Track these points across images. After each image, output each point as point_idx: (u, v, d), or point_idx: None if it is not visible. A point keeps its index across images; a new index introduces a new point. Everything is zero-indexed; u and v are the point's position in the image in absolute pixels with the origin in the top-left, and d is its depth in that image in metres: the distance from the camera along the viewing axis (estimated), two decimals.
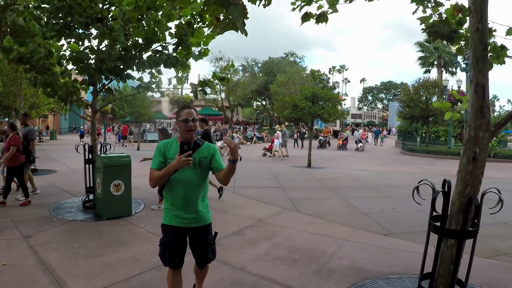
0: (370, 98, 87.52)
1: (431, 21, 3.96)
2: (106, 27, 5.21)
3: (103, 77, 5.94)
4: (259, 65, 50.03)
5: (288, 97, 15.02)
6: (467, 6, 2.99)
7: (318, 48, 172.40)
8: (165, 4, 5.26)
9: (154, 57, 5.82)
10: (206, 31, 5.76)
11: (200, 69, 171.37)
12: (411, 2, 3.99)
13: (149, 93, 6.62)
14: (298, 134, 27.15)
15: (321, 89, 15.48)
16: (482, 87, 2.84)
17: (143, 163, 6.99)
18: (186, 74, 6.30)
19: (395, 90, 78.41)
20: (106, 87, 6.31)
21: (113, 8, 5.47)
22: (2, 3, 5.13)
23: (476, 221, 2.90)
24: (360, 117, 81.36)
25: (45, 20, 5.40)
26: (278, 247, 4.66)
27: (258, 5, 2.56)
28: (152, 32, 5.42)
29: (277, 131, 18.63)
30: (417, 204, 4.00)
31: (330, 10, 3.96)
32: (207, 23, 5.57)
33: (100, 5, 5.35)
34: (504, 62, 3.78)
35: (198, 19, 5.68)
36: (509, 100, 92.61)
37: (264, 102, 52.79)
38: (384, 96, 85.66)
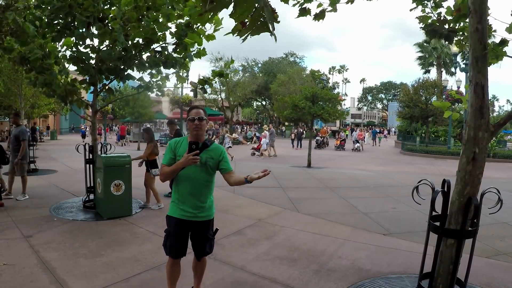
0: (369, 98, 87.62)
1: (429, 20, 3.97)
2: (107, 26, 5.22)
3: (103, 77, 5.95)
4: (259, 65, 50.01)
5: (288, 97, 15.03)
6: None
7: (318, 48, 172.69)
8: (165, 5, 5.27)
9: (153, 58, 5.83)
10: (207, 30, 5.76)
11: (200, 70, 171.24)
12: (413, 2, 4.00)
13: (150, 94, 6.62)
14: (296, 134, 26.45)
15: (321, 89, 15.49)
16: (482, 87, 2.85)
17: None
18: (185, 72, 6.31)
19: (394, 90, 78.52)
20: (107, 87, 6.32)
21: (113, 7, 5.48)
22: (3, 3, 5.13)
23: (475, 221, 2.91)
24: (360, 117, 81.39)
25: (46, 20, 5.40)
26: (278, 246, 4.67)
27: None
28: (152, 32, 5.42)
29: (265, 131, 19.00)
30: (417, 204, 4.01)
31: (330, 8, 3.96)
32: (213, 23, 5.55)
33: (101, 5, 5.36)
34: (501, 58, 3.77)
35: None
36: (508, 100, 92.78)
37: (264, 102, 52.77)
38: (383, 96, 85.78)
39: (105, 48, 5.66)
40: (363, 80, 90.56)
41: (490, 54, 3.59)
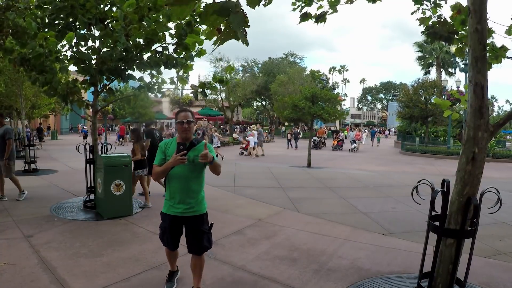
0: (369, 98, 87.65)
1: (430, 22, 3.98)
2: (108, 27, 5.22)
3: (104, 77, 5.95)
4: (259, 65, 50.04)
5: (288, 97, 15.04)
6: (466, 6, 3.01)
7: (318, 48, 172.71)
8: (165, 6, 5.27)
9: (154, 58, 5.83)
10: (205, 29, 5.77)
11: (200, 70, 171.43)
12: (415, 4, 4.00)
13: (150, 94, 6.62)
14: (292, 134, 25.84)
15: (321, 90, 15.49)
16: (481, 87, 2.86)
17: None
18: (187, 73, 6.32)
19: (394, 91, 78.56)
20: (107, 87, 6.33)
21: (114, 9, 5.48)
22: (3, 4, 5.13)
23: (475, 220, 2.92)
24: (360, 117, 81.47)
25: (47, 20, 5.41)
26: (278, 246, 4.68)
27: (258, 5, 2.57)
28: (153, 33, 5.43)
29: (253, 131, 19.20)
30: (417, 204, 4.04)
31: (331, 11, 3.98)
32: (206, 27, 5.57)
33: (102, 6, 5.36)
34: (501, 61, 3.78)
35: (198, 19, 5.69)
36: (507, 101, 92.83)
37: (264, 102, 52.80)
38: (383, 97, 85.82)
39: (105, 49, 5.67)
40: (363, 80, 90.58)
41: (490, 54, 3.60)
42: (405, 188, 9.06)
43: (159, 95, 6.87)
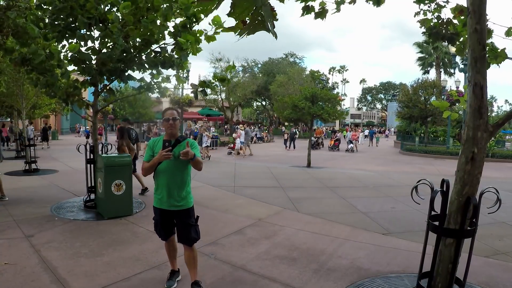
0: (369, 98, 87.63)
1: (431, 23, 3.99)
2: (108, 28, 5.23)
3: (104, 78, 5.96)
4: (259, 65, 50.05)
5: (288, 98, 15.05)
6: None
7: (318, 48, 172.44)
8: (162, 6, 5.28)
9: (152, 58, 5.83)
10: (207, 31, 5.77)
11: (200, 70, 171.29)
12: (418, 4, 4.01)
13: (150, 94, 6.64)
14: (288, 134, 25.04)
15: (321, 90, 15.50)
16: (481, 87, 2.87)
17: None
18: (186, 73, 6.32)
19: (394, 91, 78.52)
20: (107, 87, 6.34)
21: (115, 9, 5.49)
22: (4, 4, 5.14)
23: (474, 220, 2.93)
24: (359, 117, 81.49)
25: (47, 21, 5.41)
26: (278, 246, 4.69)
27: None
28: (150, 33, 5.43)
29: (240, 130, 19.29)
30: (416, 204, 4.04)
31: (335, 10, 3.98)
32: (214, 24, 5.57)
33: (103, 7, 5.37)
34: (503, 60, 3.79)
35: (194, 20, 5.69)
36: (506, 101, 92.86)
37: (264, 103, 52.80)
38: (383, 97, 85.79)
39: (105, 50, 5.68)
40: (362, 81, 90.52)
41: (489, 54, 3.61)
42: (405, 188, 9.07)
43: (159, 95, 6.88)
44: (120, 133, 7.31)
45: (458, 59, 19.20)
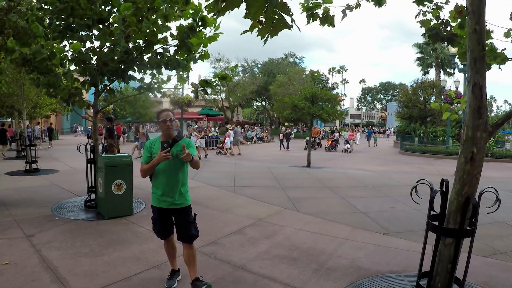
0: (369, 98, 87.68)
1: (431, 24, 4.00)
2: (107, 27, 5.24)
3: (105, 78, 5.97)
4: (259, 66, 50.07)
5: (288, 98, 15.05)
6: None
7: (318, 49, 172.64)
8: (162, 7, 5.30)
9: (154, 59, 5.84)
10: (208, 32, 5.80)
11: (200, 70, 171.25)
12: (417, 5, 4.02)
13: (150, 94, 6.65)
14: (284, 134, 24.37)
15: (321, 90, 15.51)
16: (480, 87, 2.87)
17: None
18: (187, 73, 6.34)
19: (393, 91, 78.59)
20: (108, 88, 6.35)
21: (115, 9, 5.50)
22: (5, 5, 5.15)
23: (473, 220, 2.93)
24: (359, 117, 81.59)
25: (48, 21, 5.42)
26: (278, 246, 4.70)
27: None
28: (152, 34, 5.44)
29: (229, 130, 19.60)
30: (416, 204, 4.06)
31: (342, 15, 4.02)
32: (213, 25, 5.62)
33: (100, 7, 5.38)
34: (503, 63, 3.80)
35: (200, 23, 5.70)
36: (506, 101, 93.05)
37: (264, 103, 52.81)
38: (382, 97, 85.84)
39: (106, 50, 5.69)
40: (362, 81, 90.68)
41: (489, 55, 3.62)
42: (404, 188, 9.09)
43: (159, 95, 6.90)
44: (108, 134, 7.53)
45: (457, 59, 19.22)
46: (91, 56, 5.66)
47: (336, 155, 20.55)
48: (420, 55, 42.37)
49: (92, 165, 6.55)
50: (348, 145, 22.92)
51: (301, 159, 15.30)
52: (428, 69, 42.07)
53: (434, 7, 3.95)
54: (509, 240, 5.23)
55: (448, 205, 3.01)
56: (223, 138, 20.22)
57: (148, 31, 5.41)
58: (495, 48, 3.78)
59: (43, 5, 5.32)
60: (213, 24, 5.58)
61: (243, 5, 2.23)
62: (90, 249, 4.40)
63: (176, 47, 5.90)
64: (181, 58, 5.95)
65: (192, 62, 6.02)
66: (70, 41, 5.60)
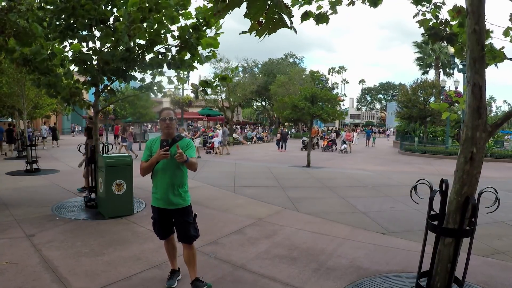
0: (368, 98, 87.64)
1: (430, 24, 4.01)
2: (109, 28, 5.24)
3: (105, 78, 5.98)
4: (259, 66, 50.04)
5: (288, 98, 15.06)
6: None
7: (317, 49, 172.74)
8: (170, 7, 5.30)
9: (157, 59, 5.85)
10: (209, 33, 5.80)
11: (200, 70, 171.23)
12: (415, 6, 4.03)
13: (152, 95, 6.65)
14: (281, 135, 23.58)
15: (320, 90, 15.52)
16: (479, 88, 2.88)
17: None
18: (187, 73, 6.35)
19: (393, 91, 78.54)
20: (108, 88, 6.35)
21: (115, 9, 5.51)
22: (6, 5, 5.16)
23: (473, 220, 2.94)
24: (359, 117, 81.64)
25: (48, 21, 5.43)
26: (278, 245, 4.71)
27: None
28: (156, 34, 5.45)
29: (217, 130, 19.82)
30: (415, 203, 4.07)
31: (330, 11, 4.02)
32: (213, 27, 5.64)
33: (103, 7, 5.39)
34: (501, 61, 3.81)
35: (203, 23, 5.71)
36: (505, 101, 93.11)
37: (264, 103, 52.80)
38: (382, 97, 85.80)
39: (107, 50, 5.69)
40: (362, 81, 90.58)
41: (488, 55, 3.63)
42: (404, 187, 9.10)
43: (160, 95, 6.91)
44: (88, 134, 7.43)
45: (457, 59, 19.23)
46: (92, 56, 5.67)
47: (335, 155, 20.57)
48: (419, 55, 42.38)
49: (93, 165, 6.56)
50: (345, 145, 22.76)
51: (301, 159, 15.31)
52: (428, 69, 42.09)
53: (433, 7, 3.96)
54: (509, 240, 5.24)
55: (447, 205, 3.01)
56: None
57: (152, 30, 5.42)
58: (495, 48, 3.79)
59: (43, 4, 5.33)
60: (216, 25, 5.60)
61: (244, 5, 2.23)
62: (91, 248, 4.40)
63: (178, 47, 5.90)
64: (187, 58, 5.97)
65: (198, 63, 6.02)
66: (71, 41, 5.61)
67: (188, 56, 6.00)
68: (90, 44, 5.59)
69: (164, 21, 5.42)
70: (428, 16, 4.03)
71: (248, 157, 18.11)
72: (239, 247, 4.62)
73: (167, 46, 5.90)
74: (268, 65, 48.76)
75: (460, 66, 18.83)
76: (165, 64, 5.88)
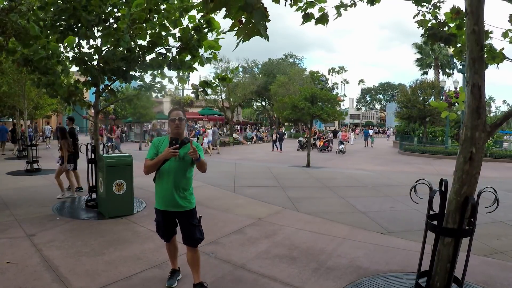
0: (368, 99, 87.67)
1: (429, 24, 4.02)
2: (111, 27, 5.25)
3: (105, 78, 5.99)
4: (259, 66, 50.05)
5: (288, 98, 15.08)
6: (463, 9, 3.05)
7: (317, 49, 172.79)
8: (172, 11, 5.31)
9: (157, 60, 5.86)
10: (210, 36, 5.81)
11: (200, 71, 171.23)
12: (416, 6, 4.04)
13: (152, 94, 6.67)
14: (277, 135, 23.27)
15: (320, 90, 15.54)
16: (479, 88, 2.89)
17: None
18: (187, 73, 6.36)
19: (393, 91, 78.57)
20: (109, 88, 6.36)
21: (116, 9, 5.52)
22: (7, 5, 5.17)
23: (472, 220, 2.95)
24: (359, 117, 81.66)
25: (49, 21, 5.44)
26: (277, 245, 4.72)
27: (285, 5, 2.65)
28: (157, 35, 5.46)
29: (207, 130, 20.09)
30: (415, 203, 4.08)
31: (336, 15, 4.04)
32: (215, 29, 5.65)
33: (105, 6, 5.40)
34: (501, 62, 3.82)
35: (205, 25, 5.72)
36: (504, 101, 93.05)
37: (264, 103, 52.82)
38: (382, 97, 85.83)
39: (107, 49, 5.70)
40: (361, 81, 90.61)
41: (487, 55, 3.64)
42: (404, 187, 9.11)
43: (160, 95, 6.91)
44: (61, 134, 7.32)
45: (456, 59, 19.25)
46: (92, 55, 5.67)
47: (335, 155, 20.58)
48: (419, 55, 42.41)
49: (93, 165, 6.56)
50: (342, 145, 22.67)
51: (301, 159, 15.33)
52: (427, 70, 42.13)
53: (432, 7, 3.97)
54: (508, 240, 5.26)
55: (447, 204, 3.03)
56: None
57: (153, 31, 5.43)
58: (494, 49, 3.81)
59: (44, 5, 5.33)
60: (217, 30, 5.61)
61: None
62: (91, 248, 4.41)
63: (178, 49, 5.90)
64: (187, 59, 5.97)
65: (199, 64, 6.03)
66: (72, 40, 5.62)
67: (188, 57, 6.01)
68: (91, 42, 5.60)
69: (167, 24, 5.43)
70: (428, 16, 4.04)
71: (248, 157, 18.12)
72: (239, 247, 4.63)
73: (167, 47, 5.91)
74: (268, 65, 48.77)
75: (460, 67, 18.86)
76: (165, 65, 5.89)
